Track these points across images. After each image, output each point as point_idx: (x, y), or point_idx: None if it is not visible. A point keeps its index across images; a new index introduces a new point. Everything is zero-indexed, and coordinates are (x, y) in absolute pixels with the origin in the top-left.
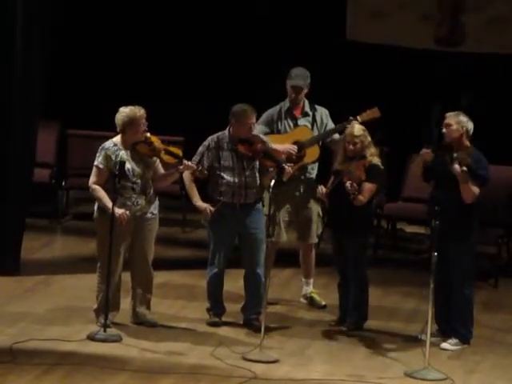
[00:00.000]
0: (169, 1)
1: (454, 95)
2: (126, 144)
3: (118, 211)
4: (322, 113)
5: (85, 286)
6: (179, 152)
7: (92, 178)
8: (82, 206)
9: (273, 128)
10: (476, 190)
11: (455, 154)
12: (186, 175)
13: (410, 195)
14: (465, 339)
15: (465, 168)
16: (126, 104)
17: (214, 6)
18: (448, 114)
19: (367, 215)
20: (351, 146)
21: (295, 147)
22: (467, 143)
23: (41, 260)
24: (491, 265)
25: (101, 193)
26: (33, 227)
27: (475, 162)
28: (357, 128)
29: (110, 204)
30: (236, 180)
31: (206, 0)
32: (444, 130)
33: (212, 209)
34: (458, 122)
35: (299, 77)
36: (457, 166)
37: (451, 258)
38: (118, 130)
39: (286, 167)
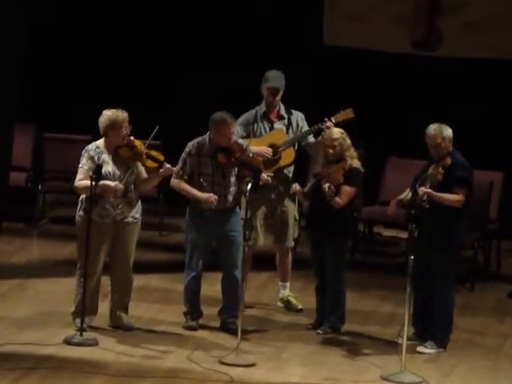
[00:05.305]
0: (143, 3)
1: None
2: (108, 147)
3: (111, 184)
4: (298, 116)
5: (61, 290)
6: (161, 157)
7: (77, 178)
8: (59, 210)
9: (249, 131)
10: (455, 196)
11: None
12: (174, 181)
13: (387, 199)
14: (441, 343)
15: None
16: (103, 107)
17: (188, 11)
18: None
19: (346, 218)
20: (330, 150)
21: (270, 150)
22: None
23: (16, 264)
24: (467, 268)
25: (88, 182)
26: (8, 231)
27: (454, 166)
28: (335, 131)
29: (102, 182)
30: (215, 188)
31: (181, 5)
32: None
33: (216, 197)
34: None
35: (275, 79)
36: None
37: (432, 262)
38: (101, 133)
39: (264, 175)
